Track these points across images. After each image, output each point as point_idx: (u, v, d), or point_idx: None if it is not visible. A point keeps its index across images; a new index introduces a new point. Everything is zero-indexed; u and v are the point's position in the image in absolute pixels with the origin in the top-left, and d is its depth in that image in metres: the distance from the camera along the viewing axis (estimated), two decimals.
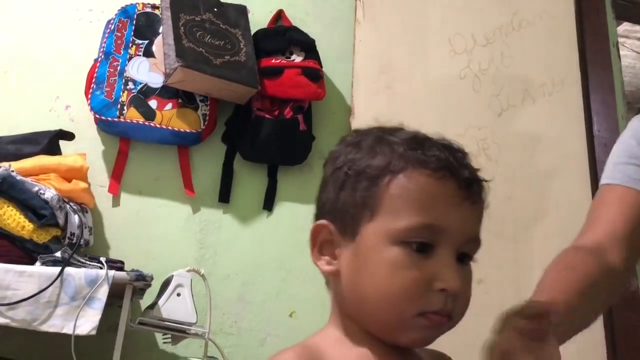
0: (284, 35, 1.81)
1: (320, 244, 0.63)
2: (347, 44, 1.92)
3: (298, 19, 1.91)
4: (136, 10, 1.76)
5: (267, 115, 1.72)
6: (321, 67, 1.79)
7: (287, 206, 1.78)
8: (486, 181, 0.65)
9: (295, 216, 1.77)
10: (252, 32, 1.79)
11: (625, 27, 3.42)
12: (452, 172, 0.60)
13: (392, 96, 1.83)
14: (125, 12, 1.75)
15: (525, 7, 1.92)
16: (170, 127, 1.65)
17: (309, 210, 1.86)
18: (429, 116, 1.81)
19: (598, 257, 0.88)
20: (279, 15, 1.91)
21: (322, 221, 0.62)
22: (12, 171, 1.34)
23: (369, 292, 0.59)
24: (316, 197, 0.66)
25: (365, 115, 1.82)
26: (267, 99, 1.74)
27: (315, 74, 1.75)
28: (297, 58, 1.78)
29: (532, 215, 1.70)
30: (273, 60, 1.76)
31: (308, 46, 1.80)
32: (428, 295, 0.57)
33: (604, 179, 0.99)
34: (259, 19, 1.87)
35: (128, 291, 1.28)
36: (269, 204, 1.76)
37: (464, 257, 0.61)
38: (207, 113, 1.70)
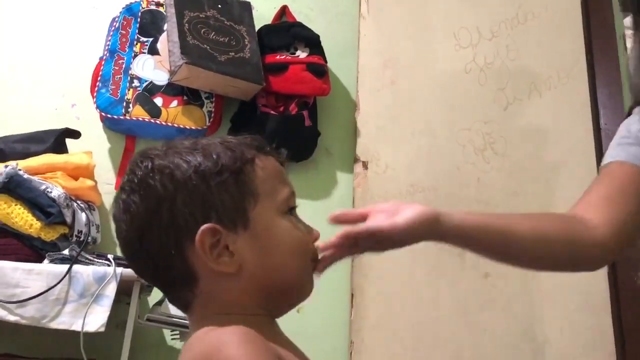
0: (288, 31, 1.81)
1: (209, 249, 0.63)
2: (351, 39, 1.91)
3: (302, 14, 1.90)
4: (140, 7, 1.77)
5: (272, 111, 1.72)
6: (326, 62, 1.79)
7: None
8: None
9: (301, 212, 1.76)
10: (257, 28, 1.79)
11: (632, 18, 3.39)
12: (275, 154, 0.72)
13: (397, 91, 1.83)
14: (129, 9, 1.76)
15: None
16: (175, 124, 1.65)
17: (316, 205, 1.87)
18: (434, 111, 1.80)
19: (568, 223, 0.85)
20: (283, 11, 1.91)
21: (206, 226, 0.63)
22: (20, 170, 1.35)
23: (279, 260, 0.67)
24: (164, 221, 0.64)
25: (370, 110, 1.82)
26: (272, 95, 1.74)
27: (320, 70, 1.75)
28: (301, 54, 1.78)
29: (540, 209, 1.70)
30: (278, 56, 1.76)
31: (312, 42, 1.80)
32: (310, 244, 0.72)
33: (605, 159, 0.97)
34: (263, 15, 1.86)
35: (136, 288, 1.29)
36: None
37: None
38: (213, 110, 1.71)
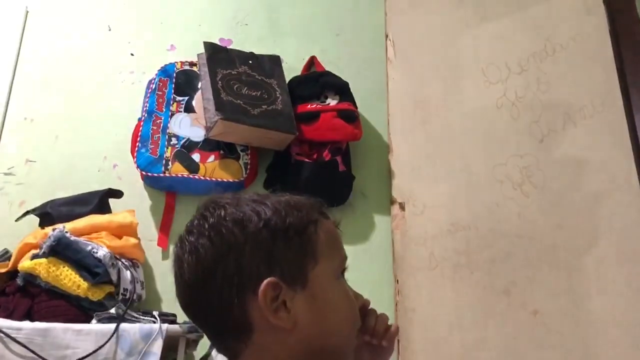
0: (317, 81, 1.85)
1: (270, 302, 0.64)
2: (380, 83, 1.94)
3: (330, 63, 1.95)
4: (175, 68, 1.84)
5: (306, 159, 1.74)
6: (356, 108, 1.81)
7: None
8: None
9: None
10: (287, 80, 1.84)
11: None
12: (333, 220, 0.74)
13: (429, 131, 1.83)
14: (165, 71, 1.83)
15: (558, 31, 1.91)
16: (214, 178, 1.69)
17: (354, 250, 1.86)
18: (468, 148, 1.80)
19: None
20: (312, 61, 1.96)
21: (270, 279, 0.64)
22: (66, 232, 1.40)
23: (333, 324, 0.68)
24: (229, 268, 0.65)
25: (404, 151, 1.82)
26: (305, 144, 1.77)
27: (350, 116, 1.77)
28: (332, 101, 1.81)
29: (584, 241, 1.65)
30: (309, 106, 1.79)
31: (342, 89, 1.83)
32: (357, 313, 0.73)
33: None
34: (292, 67, 1.91)
35: (182, 343, 1.30)
36: None
37: None
38: (249, 162, 1.74)
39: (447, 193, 1.76)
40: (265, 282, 0.63)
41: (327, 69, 1.92)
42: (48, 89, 1.91)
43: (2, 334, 1.18)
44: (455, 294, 1.65)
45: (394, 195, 1.77)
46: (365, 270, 1.74)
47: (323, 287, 0.67)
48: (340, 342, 0.69)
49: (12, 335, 1.19)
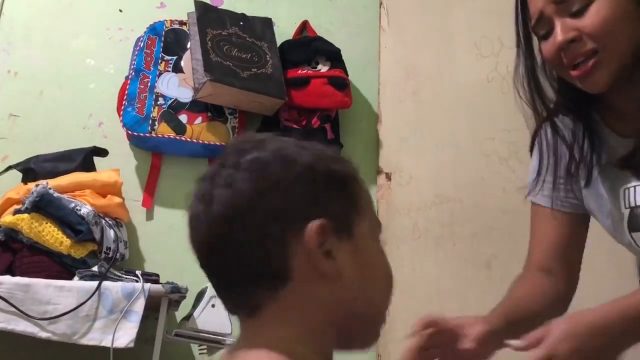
0: (309, 46, 1.82)
1: (317, 246, 0.57)
2: (372, 51, 1.92)
3: (323, 28, 1.92)
4: (164, 27, 1.80)
5: (294, 125, 1.73)
6: (347, 75, 1.80)
7: None
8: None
9: None
10: (278, 44, 1.81)
11: None
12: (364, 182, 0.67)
13: (419, 102, 1.83)
14: (153, 29, 1.79)
15: None
16: (200, 141, 1.68)
17: None
18: (457, 121, 1.80)
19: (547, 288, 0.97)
20: (304, 26, 1.93)
21: (321, 220, 0.57)
22: (50, 189, 1.38)
23: (375, 287, 0.62)
24: (272, 206, 0.57)
25: (393, 121, 1.82)
26: (294, 110, 1.76)
27: (341, 83, 1.76)
28: (323, 68, 1.79)
29: None
30: (299, 71, 1.77)
31: (333, 55, 1.81)
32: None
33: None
34: (284, 31, 1.88)
35: (164, 303, 1.30)
36: None
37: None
38: (236, 125, 1.73)
39: (434, 165, 1.76)
40: (316, 222, 0.56)
41: (319, 34, 1.89)
42: (33, 42, 1.86)
43: None
44: (437, 265, 1.67)
45: (381, 166, 1.78)
46: None
47: (366, 244, 0.61)
48: (378, 306, 0.63)
49: None
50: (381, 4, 1.95)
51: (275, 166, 0.58)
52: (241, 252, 0.57)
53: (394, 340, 1.60)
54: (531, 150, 1.04)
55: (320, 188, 0.59)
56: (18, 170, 1.57)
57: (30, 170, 1.55)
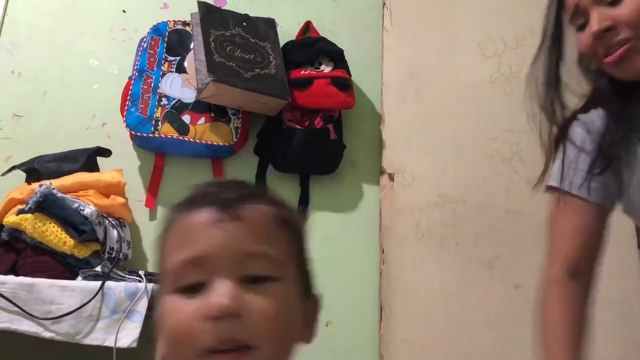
0: (312, 46, 1.82)
1: None
2: (375, 52, 1.92)
3: (326, 29, 1.92)
4: (168, 27, 1.81)
5: (297, 126, 1.73)
6: (350, 76, 1.80)
7: (319, 215, 1.78)
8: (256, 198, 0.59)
9: (328, 225, 1.77)
10: (281, 44, 1.81)
11: None
12: (203, 201, 0.57)
13: (422, 102, 1.83)
14: (157, 30, 1.80)
15: None
16: (203, 141, 1.68)
17: (342, 218, 1.87)
18: (460, 121, 1.79)
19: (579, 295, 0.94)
20: (307, 26, 1.93)
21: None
22: (53, 189, 1.39)
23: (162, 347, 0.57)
24: None
25: (396, 122, 1.82)
26: (297, 110, 1.76)
27: (344, 84, 1.76)
28: (326, 68, 1.79)
29: None
30: (302, 72, 1.78)
31: (336, 56, 1.81)
32: (199, 331, 0.51)
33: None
34: (287, 31, 1.89)
35: None
36: (302, 214, 1.77)
37: (256, 280, 0.54)
38: (239, 126, 1.73)
39: (437, 165, 1.76)
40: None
41: (322, 35, 1.89)
42: (37, 43, 1.87)
43: None
44: (439, 265, 1.67)
45: (384, 166, 1.77)
46: (351, 239, 1.76)
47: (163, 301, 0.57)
48: None
49: None
50: (384, 4, 1.95)
51: None
52: None
53: (396, 340, 1.60)
54: (557, 142, 1.00)
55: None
56: (22, 170, 1.58)
57: (34, 170, 1.56)
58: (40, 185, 1.39)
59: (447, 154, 1.76)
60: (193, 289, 0.53)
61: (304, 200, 1.78)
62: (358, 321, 1.67)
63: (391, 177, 1.76)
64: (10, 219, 1.36)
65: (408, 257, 1.68)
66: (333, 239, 1.74)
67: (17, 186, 1.51)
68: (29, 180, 1.53)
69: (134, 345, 1.22)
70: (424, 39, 1.89)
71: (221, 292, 0.51)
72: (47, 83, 1.82)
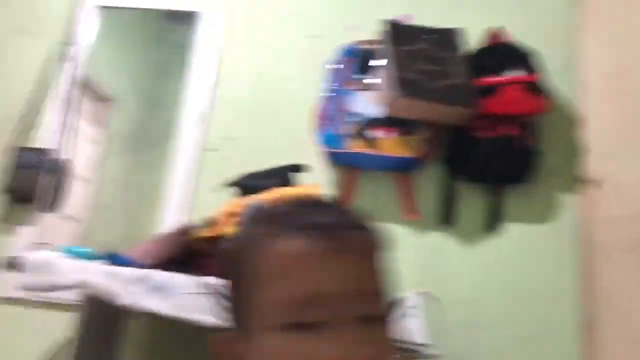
0: (499, 52, 1.78)
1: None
2: (570, 51, 1.81)
3: (515, 32, 1.85)
4: (357, 48, 1.90)
5: (487, 134, 1.70)
6: (542, 79, 1.71)
7: (513, 227, 1.72)
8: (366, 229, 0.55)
9: (523, 237, 1.70)
10: (469, 53, 1.79)
11: None
12: (300, 227, 0.52)
13: (627, 102, 1.67)
14: (347, 51, 1.90)
15: None
16: (393, 155, 1.73)
17: (538, 230, 1.78)
18: None
19: None
20: (494, 32, 1.88)
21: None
22: (261, 203, 1.53)
23: None
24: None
25: (597, 125, 1.69)
26: (487, 118, 1.72)
27: (535, 87, 1.68)
28: (515, 73, 1.73)
29: None
30: (490, 78, 1.74)
31: (526, 59, 1.75)
32: None
33: None
34: (474, 39, 1.86)
35: None
36: (493, 225, 1.72)
37: (369, 320, 0.51)
38: (427, 138, 1.75)
39: None
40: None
41: (511, 39, 1.83)
42: (243, 74, 2.08)
43: (212, 291, 1.35)
44: None
45: (585, 173, 1.65)
46: (547, 253, 1.67)
47: (267, 338, 0.52)
48: None
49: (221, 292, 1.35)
50: (578, 2, 1.82)
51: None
52: None
53: None
54: None
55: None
56: (234, 186, 1.77)
57: (243, 186, 1.74)
58: (251, 200, 1.55)
59: None
60: (302, 327, 0.50)
61: (497, 212, 1.73)
62: (556, 339, 1.58)
63: (594, 185, 1.63)
64: (229, 230, 1.53)
65: (618, 273, 1.54)
66: (528, 251, 1.67)
67: (230, 200, 1.70)
68: (240, 195, 1.71)
69: None
70: (626, 34, 1.73)
71: (337, 345, 0.49)
72: (252, 108, 2.02)
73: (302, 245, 0.51)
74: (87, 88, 2.31)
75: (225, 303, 0.56)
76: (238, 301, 0.54)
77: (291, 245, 0.51)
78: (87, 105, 2.35)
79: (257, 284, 0.52)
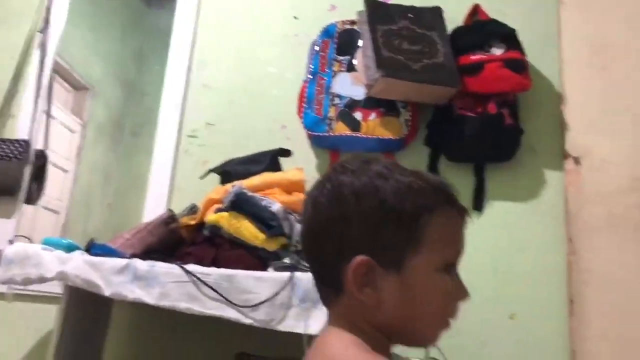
0: (481, 30, 1.77)
1: (360, 277, 0.67)
2: (551, 28, 1.80)
3: (495, 10, 1.84)
4: (336, 28, 1.88)
5: (469, 113, 1.69)
6: (525, 56, 1.70)
7: (497, 205, 1.72)
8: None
9: (507, 214, 1.70)
10: (449, 31, 1.78)
11: None
12: (460, 209, 0.72)
13: (609, 78, 1.67)
14: (326, 32, 1.88)
15: None
16: (375, 136, 1.72)
17: (522, 207, 1.78)
18: None
19: None
20: (475, 10, 1.86)
21: (363, 257, 0.67)
22: (244, 189, 1.52)
23: (419, 313, 0.69)
24: (336, 232, 0.69)
25: (579, 101, 1.69)
26: (468, 97, 1.71)
27: (518, 65, 1.67)
28: (497, 51, 1.72)
29: None
30: (472, 57, 1.72)
31: (508, 37, 1.73)
32: (455, 306, 0.71)
33: None
34: (454, 17, 1.84)
35: None
36: (478, 204, 1.72)
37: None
38: (409, 118, 1.73)
39: (629, 146, 1.60)
40: (358, 259, 0.67)
41: (491, 16, 1.82)
42: (222, 58, 2.05)
43: (195, 278, 1.34)
44: (636, 256, 1.52)
45: (568, 150, 1.66)
46: (534, 228, 1.67)
47: (418, 277, 0.68)
48: (424, 328, 0.70)
49: (203, 279, 1.33)
50: None
51: (346, 199, 0.69)
52: (314, 260, 0.75)
53: (591, 336, 1.49)
54: None
55: (380, 226, 0.68)
56: (216, 173, 1.75)
57: (226, 172, 1.72)
58: (233, 187, 1.53)
59: None
60: (445, 270, 0.70)
61: (480, 190, 1.73)
62: (544, 314, 1.59)
63: (577, 161, 1.64)
64: (211, 217, 1.52)
65: (600, 247, 1.55)
66: (513, 229, 1.67)
67: (212, 187, 1.68)
68: (223, 182, 1.69)
69: None
70: (609, 8, 1.72)
71: (464, 285, 0.72)
72: (232, 93, 2.00)
73: (464, 221, 0.72)
74: (63, 76, 2.26)
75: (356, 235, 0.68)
76: (387, 241, 0.68)
77: (460, 219, 0.72)
78: (63, 94, 2.30)
79: (437, 235, 0.68)
